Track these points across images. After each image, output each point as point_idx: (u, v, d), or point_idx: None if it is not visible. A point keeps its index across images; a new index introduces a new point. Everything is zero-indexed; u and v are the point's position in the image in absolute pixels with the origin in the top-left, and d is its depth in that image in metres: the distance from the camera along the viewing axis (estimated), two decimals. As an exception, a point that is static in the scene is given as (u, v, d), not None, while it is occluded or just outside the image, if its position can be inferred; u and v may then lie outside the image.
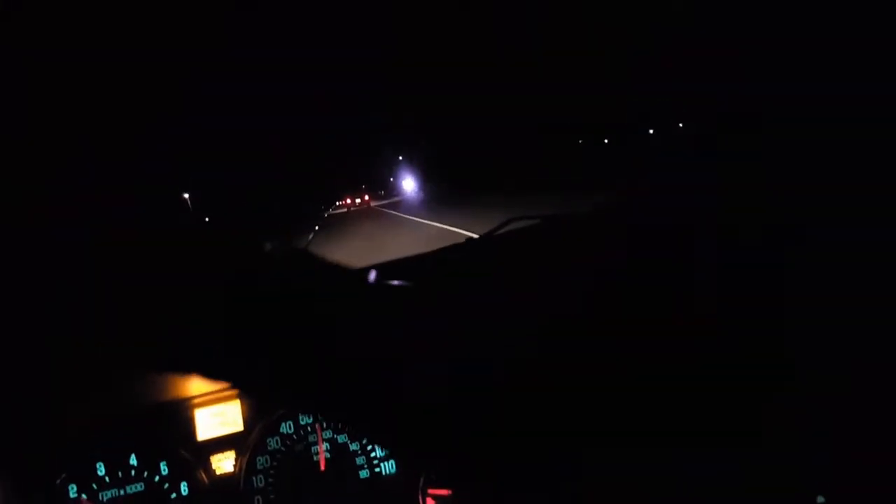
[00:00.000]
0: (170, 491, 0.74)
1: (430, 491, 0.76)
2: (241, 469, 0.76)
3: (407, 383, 0.51)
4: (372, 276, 0.57)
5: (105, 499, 0.73)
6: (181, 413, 0.77)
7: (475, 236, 0.86)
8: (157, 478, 0.74)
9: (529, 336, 0.66)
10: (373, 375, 0.51)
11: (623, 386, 0.58)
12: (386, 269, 0.58)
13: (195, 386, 0.77)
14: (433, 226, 10.81)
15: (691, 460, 0.52)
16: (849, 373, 0.55)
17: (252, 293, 0.53)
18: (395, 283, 0.60)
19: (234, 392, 0.78)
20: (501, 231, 0.85)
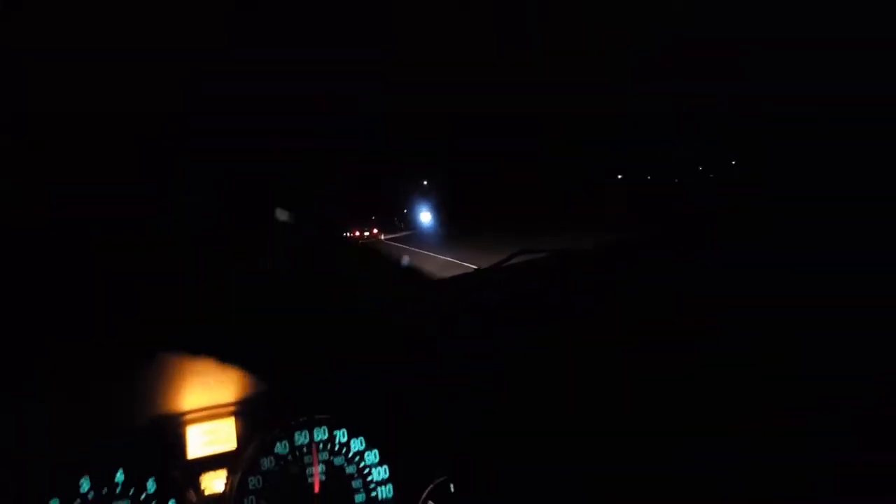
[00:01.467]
0: (156, 510, 0.71)
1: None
2: (232, 489, 0.73)
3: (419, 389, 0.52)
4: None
5: (87, 516, 0.69)
6: (172, 429, 0.74)
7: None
8: (143, 496, 0.70)
9: (536, 357, 0.67)
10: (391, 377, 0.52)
11: (624, 401, 0.60)
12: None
13: (188, 401, 0.75)
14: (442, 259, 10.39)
15: (691, 461, 0.54)
16: (849, 373, 0.58)
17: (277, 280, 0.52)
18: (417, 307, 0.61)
19: (229, 409, 0.76)
20: (508, 263, 0.87)
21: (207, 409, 0.76)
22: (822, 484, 0.52)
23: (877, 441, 0.50)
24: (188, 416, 0.75)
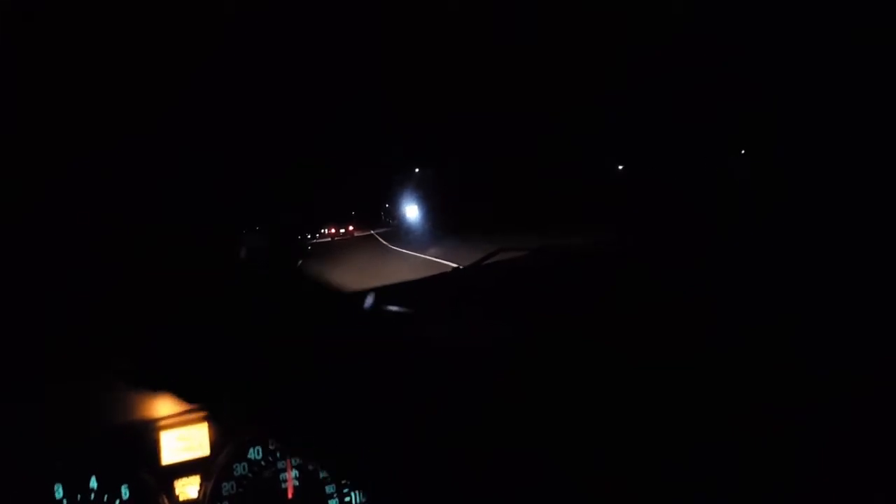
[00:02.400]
0: (130, 516, 0.72)
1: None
2: (205, 495, 0.73)
3: (390, 417, 0.50)
4: (369, 301, 0.55)
5: (61, 522, 0.70)
6: (146, 435, 0.74)
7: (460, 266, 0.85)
8: (117, 502, 0.71)
9: (513, 369, 0.64)
10: (356, 407, 0.49)
11: (613, 405, 0.57)
12: (377, 295, 0.56)
13: (162, 407, 0.75)
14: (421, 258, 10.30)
15: (688, 468, 0.51)
16: (849, 374, 0.55)
17: (234, 303, 0.50)
18: (393, 309, 0.58)
19: (201, 415, 0.76)
20: (488, 262, 0.83)
21: (180, 416, 0.75)
22: (821, 483, 0.49)
23: (879, 444, 0.47)
24: (161, 423, 0.75)
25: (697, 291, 0.67)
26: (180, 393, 0.48)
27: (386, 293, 0.83)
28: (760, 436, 0.52)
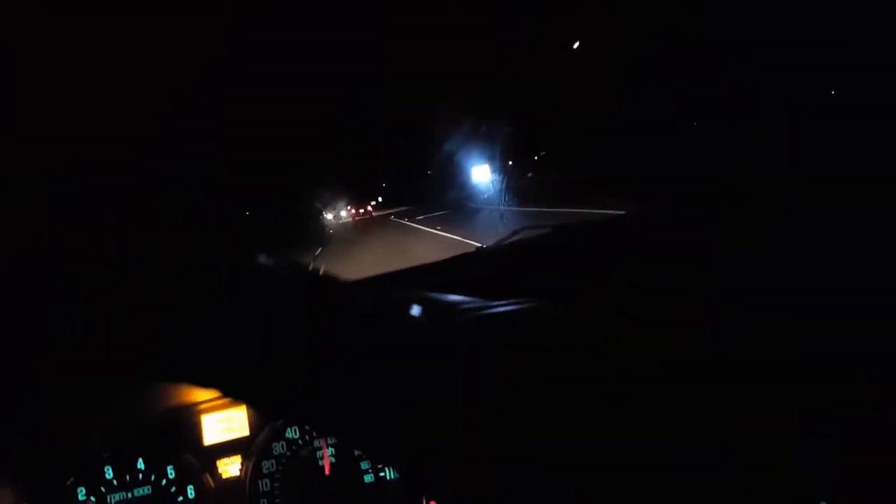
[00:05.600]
0: (177, 494, 0.75)
1: (434, 496, 0.77)
2: (247, 473, 0.76)
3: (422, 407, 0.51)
4: (415, 310, 0.56)
5: (113, 501, 0.74)
6: (188, 418, 0.77)
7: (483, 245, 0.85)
8: (164, 481, 0.75)
9: (534, 350, 0.65)
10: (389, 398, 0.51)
11: (625, 389, 0.58)
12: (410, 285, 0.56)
13: (202, 392, 0.77)
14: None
15: (689, 465, 0.52)
16: (849, 374, 0.55)
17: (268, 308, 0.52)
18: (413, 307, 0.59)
19: (240, 397, 0.78)
20: (511, 240, 0.84)
21: (220, 399, 0.78)
22: (824, 489, 0.50)
23: (880, 444, 0.47)
24: (202, 406, 0.78)
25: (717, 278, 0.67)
26: (215, 387, 0.51)
27: (408, 275, 0.84)
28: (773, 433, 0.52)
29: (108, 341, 0.59)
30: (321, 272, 0.54)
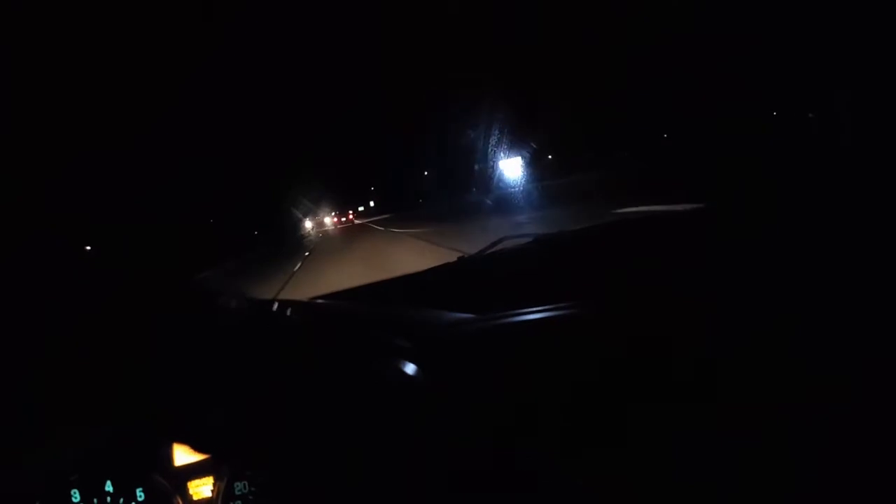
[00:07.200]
0: (146, 518, 0.72)
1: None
2: (219, 494, 0.74)
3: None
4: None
5: (79, 526, 0.71)
6: (158, 437, 0.75)
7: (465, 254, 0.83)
8: (132, 504, 0.72)
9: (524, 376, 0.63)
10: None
11: (620, 392, 0.56)
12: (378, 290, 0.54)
13: (172, 409, 0.75)
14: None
15: (686, 461, 0.50)
16: (849, 374, 0.53)
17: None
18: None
19: (213, 415, 0.76)
20: (492, 250, 0.82)
21: (191, 417, 0.76)
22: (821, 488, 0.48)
23: (879, 443, 0.45)
24: (173, 425, 0.75)
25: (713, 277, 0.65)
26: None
27: (390, 286, 0.82)
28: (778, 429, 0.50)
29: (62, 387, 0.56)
30: (285, 312, 0.52)
